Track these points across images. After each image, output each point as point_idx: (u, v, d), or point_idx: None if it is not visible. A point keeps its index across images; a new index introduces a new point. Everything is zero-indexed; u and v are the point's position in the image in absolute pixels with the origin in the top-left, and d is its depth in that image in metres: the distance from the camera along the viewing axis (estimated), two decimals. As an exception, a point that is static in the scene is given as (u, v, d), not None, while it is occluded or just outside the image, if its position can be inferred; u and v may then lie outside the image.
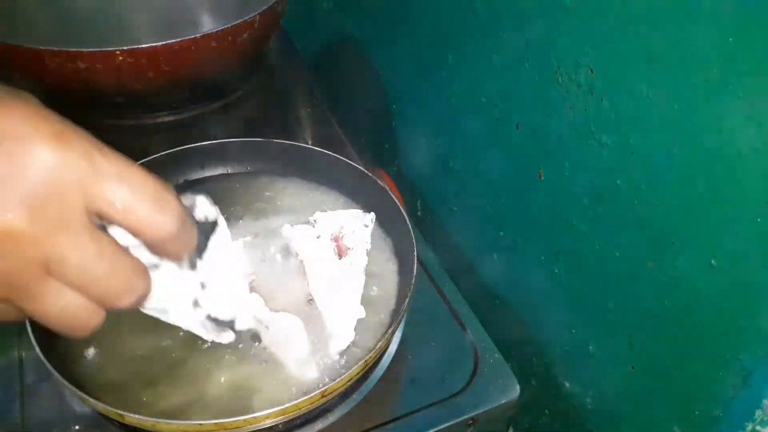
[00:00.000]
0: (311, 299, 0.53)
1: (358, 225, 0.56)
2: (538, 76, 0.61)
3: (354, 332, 0.50)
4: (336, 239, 0.55)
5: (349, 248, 0.55)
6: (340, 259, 0.54)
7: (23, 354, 0.53)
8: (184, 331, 0.38)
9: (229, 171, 0.66)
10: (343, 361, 0.49)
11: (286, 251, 0.56)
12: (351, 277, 0.53)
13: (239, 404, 0.47)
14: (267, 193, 0.63)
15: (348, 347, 0.50)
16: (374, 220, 0.58)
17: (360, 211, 0.59)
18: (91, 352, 0.50)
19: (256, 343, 0.50)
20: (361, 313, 0.51)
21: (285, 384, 0.48)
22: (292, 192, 0.64)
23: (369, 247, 0.55)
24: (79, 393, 0.44)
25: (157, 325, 0.36)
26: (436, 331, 0.58)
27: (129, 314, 0.47)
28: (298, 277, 0.54)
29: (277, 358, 0.49)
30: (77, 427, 0.49)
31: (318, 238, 0.55)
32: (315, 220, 0.57)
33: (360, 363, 0.46)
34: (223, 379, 0.48)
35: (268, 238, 0.57)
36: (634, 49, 0.49)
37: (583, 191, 0.59)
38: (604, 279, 0.60)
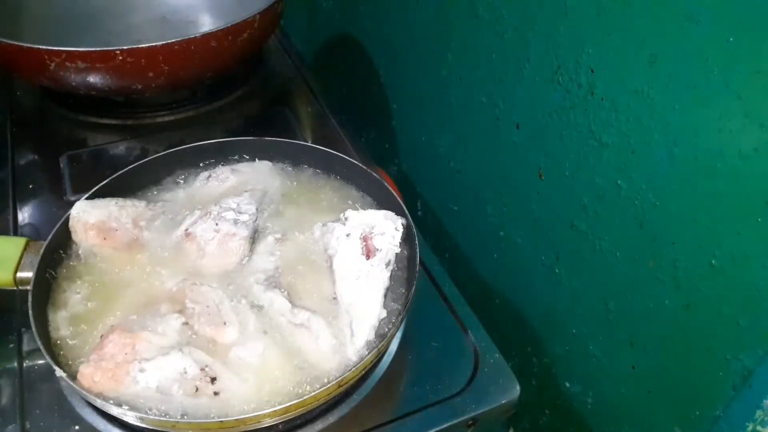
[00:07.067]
0: (335, 297, 0.52)
1: (388, 227, 0.54)
2: (538, 76, 0.61)
3: (374, 332, 0.50)
4: (365, 239, 0.54)
5: (378, 249, 0.53)
6: (367, 259, 0.53)
7: (23, 354, 0.53)
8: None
9: (229, 170, 0.66)
10: (359, 358, 0.49)
11: (315, 248, 0.55)
12: (376, 278, 0.52)
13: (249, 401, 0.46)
14: (266, 194, 0.63)
15: (365, 345, 0.49)
16: (405, 224, 0.56)
17: (392, 213, 0.57)
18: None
19: (276, 335, 0.50)
20: (383, 313, 0.50)
21: (298, 381, 0.47)
22: (293, 193, 0.64)
23: (398, 250, 0.54)
24: (80, 392, 0.44)
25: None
26: (436, 331, 0.58)
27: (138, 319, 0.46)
28: (324, 275, 0.54)
29: (295, 353, 0.49)
30: (77, 428, 0.49)
31: (348, 236, 0.54)
32: (346, 218, 0.55)
33: (360, 363, 0.46)
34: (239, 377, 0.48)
35: (294, 235, 0.57)
36: (634, 49, 0.49)
37: (583, 191, 0.59)
38: (604, 279, 0.60)
